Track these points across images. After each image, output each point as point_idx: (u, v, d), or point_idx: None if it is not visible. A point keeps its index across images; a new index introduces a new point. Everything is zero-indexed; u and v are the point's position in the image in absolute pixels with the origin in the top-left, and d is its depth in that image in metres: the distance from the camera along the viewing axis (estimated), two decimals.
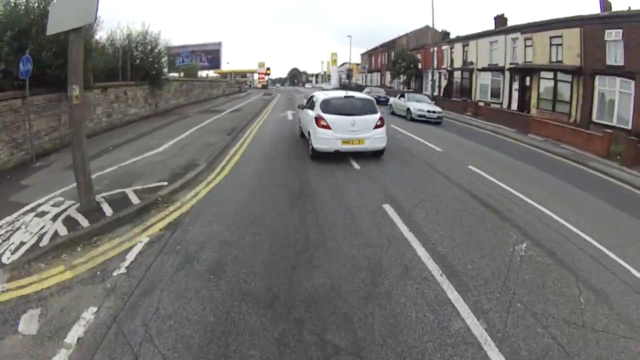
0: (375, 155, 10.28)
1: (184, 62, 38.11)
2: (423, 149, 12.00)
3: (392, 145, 11.30)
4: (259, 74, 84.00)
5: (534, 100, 23.28)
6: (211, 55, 37.53)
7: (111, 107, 13.77)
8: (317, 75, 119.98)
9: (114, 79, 15.05)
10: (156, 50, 17.85)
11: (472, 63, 29.83)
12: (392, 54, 48.17)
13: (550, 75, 21.93)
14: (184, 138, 11.65)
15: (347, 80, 71.35)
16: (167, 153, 9.26)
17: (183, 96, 24.25)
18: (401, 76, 41.28)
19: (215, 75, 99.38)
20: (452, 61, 34.70)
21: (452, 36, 40.13)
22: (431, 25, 40.60)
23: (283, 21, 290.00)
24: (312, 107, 10.78)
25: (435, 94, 34.98)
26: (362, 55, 69.17)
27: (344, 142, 9.42)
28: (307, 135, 10.64)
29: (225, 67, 69.82)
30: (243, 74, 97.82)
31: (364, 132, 9.56)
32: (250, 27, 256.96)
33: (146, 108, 17.21)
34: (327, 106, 9.93)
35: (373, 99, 10.70)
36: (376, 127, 9.75)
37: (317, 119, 9.65)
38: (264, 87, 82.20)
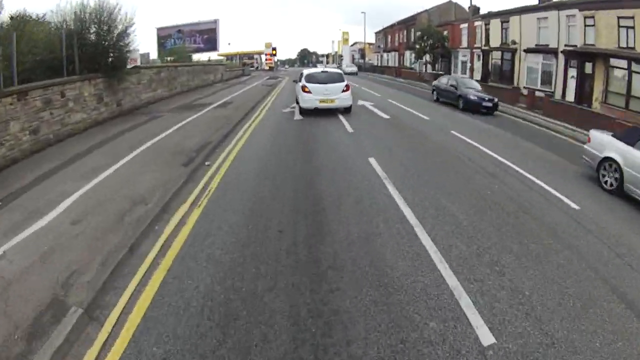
0: (346, 112, 14.99)
1: (175, 44, 33.68)
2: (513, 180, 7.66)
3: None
4: (265, 55, 78.94)
5: (597, 93, 18.43)
6: (206, 35, 32.86)
7: (38, 117, 9.68)
8: (327, 55, 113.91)
9: (59, 74, 11.00)
10: (117, 31, 13.56)
11: (514, 42, 24.74)
12: (413, 31, 42.90)
13: (623, 63, 17.06)
14: (99, 183, 6.75)
15: (361, 60, 66.04)
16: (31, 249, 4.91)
17: (163, 87, 20.03)
18: (425, 56, 36.14)
19: (220, 58, 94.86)
20: (487, 40, 29.50)
21: (482, 12, 34.81)
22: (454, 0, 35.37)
23: (292, 1, 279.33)
24: (300, 79, 15.09)
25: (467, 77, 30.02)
26: (377, 33, 63.47)
27: (321, 101, 14.16)
28: (297, 100, 15.70)
29: (227, 48, 64.98)
30: (250, 56, 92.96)
31: (334, 94, 14.21)
32: (258, 6, 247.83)
33: (101, 110, 13.08)
34: (309, 78, 14.54)
35: (341, 72, 16.37)
36: (343, 91, 14.36)
37: (303, 87, 14.38)
38: (271, 69, 77.34)
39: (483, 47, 29.93)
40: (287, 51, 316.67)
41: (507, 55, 25.87)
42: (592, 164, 8.28)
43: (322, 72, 15.23)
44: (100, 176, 7.13)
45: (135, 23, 14.67)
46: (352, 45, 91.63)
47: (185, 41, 33.51)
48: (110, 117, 13.48)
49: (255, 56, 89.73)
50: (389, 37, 56.21)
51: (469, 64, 32.84)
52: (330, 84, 14.26)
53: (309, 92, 14.13)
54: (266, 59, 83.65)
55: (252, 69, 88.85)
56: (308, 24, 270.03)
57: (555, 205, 6.60)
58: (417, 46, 35.20)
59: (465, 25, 34.19)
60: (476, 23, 32.37)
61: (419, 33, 34.29)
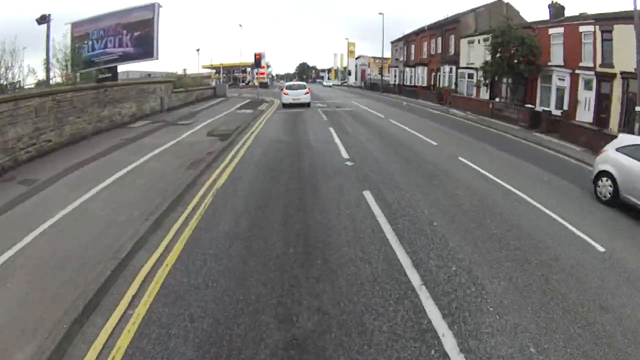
0: (307, 105, 23.92)
1: (93, 50, 20.27)
2: None
3: None
4: (260, 68, 66.03)
5: None
6: (138, 33, 19.65)
7: None
8: (329, 70, 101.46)
9: None
10: None
11: None
12: (454, 38, 29.95)
13: None
14: None
15: (378, 76, 52.93)
16: None
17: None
18: (506, 78, 22.74)
19: (209, 71, 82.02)
20: (604, 57, 16.40)
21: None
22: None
23: (288, 14, 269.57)
24: (281, 88, 29.56)
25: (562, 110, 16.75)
26: (394, 43, 50.56)
27: (293, 99, 23.68)
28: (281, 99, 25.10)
29: (218, 59, 51.48)
30: (244, 68, 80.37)
31: (300, 95, 24.01)
32: (255, 17, 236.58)
33: None
34: (288, 87, 25.74)
35: (305, 83, 30.88)
36: (306, 93, 24.28)
37: (282, 90, 25.44)
38: (264, 85, 64.40)
39: (599, 69, 16.78)
40: (286, 65, 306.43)
41: None
42: None
43: (293, 83, 30.27)
44: None
45: None
46: (356, 59, 79.35)
47: (107, 43, 20.07)
48: None
49: (248, 69, 77.22)
50: (413, 47, 43.32)
51: (567, 92, 19.80)
52: (298, 90, 24.73)
53: (286, 94, 24.03)
54: (258, 73, 71.02)
55: (242, 84, 76.63)
56: (307, 38, 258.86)
57: None
58: (489, 59, 21.84)
59: (559, 30, 21.07)
60: (583, 28, 19.28)
61: (496, 38, 20.91)
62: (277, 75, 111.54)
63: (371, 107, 26.08)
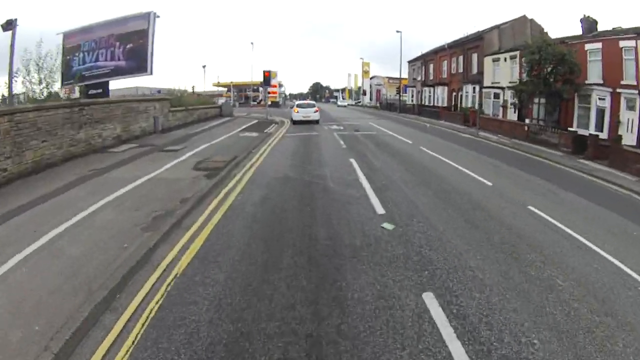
0: (316, 122, 25.25)
1: (84, 64, 18.62)
2: None
3: None
4: (269, 86, 64.87)
5: None
6: (130, 45, 17.71)
7: None
8: (343, 90, 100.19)
9: None
10: None
11: None
12: (477, 56, 27.83)
13: None
14: None
15: (394, 95, 50.91)
16: None
17: None
18: (534, 99, 20.29)
19: (222, 89, 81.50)
20: None
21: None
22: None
23: (301, 37, 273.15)
24: (292, 107, 29.87)
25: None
26: (411, 62, 48.65)
27: (303, 116, 25.25)
28: (291, 117, 26.49)
29: (228, 78, 50.40)
30: (255, 87, 79.49)
31: (310, 113, 25.72)
32: (267, 39, 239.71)
33: None
34: (298, 105, 27.54)
35: (314, 102, 35.94)
36: (315, 111, 26.11)
37: (293, 109, 26.78)
38: (275, 104, 63.06)
39: None
40: (299, 84, 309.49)
41: None
42: None
43: (303, 101, 33.63)
44: None
45: None
46: (371, 79, 77.81)
47: (99, 55, 18.37)
48: None
49: (261, 88, 76.24)
50: (432, 66, 41.25)
51: (608, 113, 17.45)
52: (308, 108, 26.97)
53: (298, 112, 25.76)
54: (269, 92, 69.77)
55: (254, 103, 75.53)
56: (320, 58, 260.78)
57: None
58: (524, 77, 19.37)
59: (596, 46, 18.72)
60: (624, 43, 17.01)
61: (532, 55, 18.46)
62: (290, 94, 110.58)
63: (393, 129, 23.24)
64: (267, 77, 27.92)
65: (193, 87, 69.30)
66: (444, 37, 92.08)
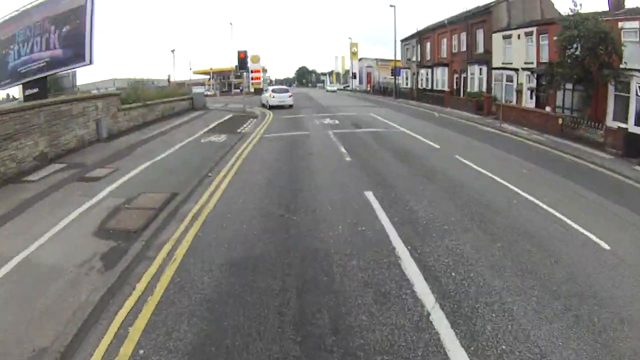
0: (290, 107, 27.18)
1: (19, 58, 14.63)
2: None
3: None
4: (252, 72, 60.31)
5: None
6: (67, 27, 13.89)
7: None
8: (330, 74, 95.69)
9: None
10: None
11: None
12: (483, 31, 24.23)
13: None
14: None
15: (387, 79, 47.12)
16: None
17: None
18: (561, 85, 16.82)
19: (204, 77, 76.33)
20: None
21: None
22: None
23: (285, 17, 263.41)
24: (267, 91, 31.49)
25: None
26: (404, 41, 44.69)
27: (279, 101, 27.09)
28: (265, 102, 28.76)
29: (212, 64, 46.10)
30: (238, 73, 74.75)
31: (285, 98, 27.60)
32: (250, 21, 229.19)
33: None
34: (273, 90, 29.25)
35: (288, 88, 37.51)
36: (289, 97, 28.05)
37: (269, 94, 28.18)
38: (259, 91, 58.82)
39: None
40: (285, 69, 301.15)
41: None
42: None
43: (279, 87, 33.54)
44: None
45: None
46: (359, 60, 73.57)
47: (33, 46, 14.33)
48: None
49: (245, 74, 71.52)
50: (429, 45, 37.51)
51: None
52: (283, 93, 28.44)
53: (274, 97, 27.44)
54: (253, 78, 65.02)
55: (236, 90, 70.73)
56: (306, 40, 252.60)
57: None
58: (560, 59, 15.79)
59: (634, 25, 15.39)
60: None
61: (569, 30, 14.86)
62: (275, 79, 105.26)
63: (403, 124, 18.47)
64: (243, 58, 23.62)
65: (169, 77, 64.38)
66: (439, 14, 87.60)
